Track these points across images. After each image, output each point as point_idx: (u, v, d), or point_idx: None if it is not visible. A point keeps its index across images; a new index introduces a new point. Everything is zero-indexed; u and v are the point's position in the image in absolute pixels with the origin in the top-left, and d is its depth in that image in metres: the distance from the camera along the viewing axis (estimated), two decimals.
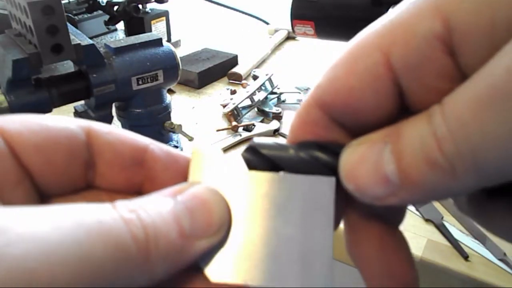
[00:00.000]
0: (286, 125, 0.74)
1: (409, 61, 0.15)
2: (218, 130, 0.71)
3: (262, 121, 0.75)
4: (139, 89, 0.61)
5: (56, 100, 0.56)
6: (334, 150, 0.17)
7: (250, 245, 0.17)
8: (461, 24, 0.14)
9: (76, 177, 0.18)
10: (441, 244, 0.49)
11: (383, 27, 0.16)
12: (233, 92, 0.82)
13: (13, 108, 0.52)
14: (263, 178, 0.18)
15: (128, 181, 0.19)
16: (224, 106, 0.76)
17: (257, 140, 0.19)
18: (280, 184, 0.18)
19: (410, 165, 0.14)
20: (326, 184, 0.18)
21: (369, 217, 0.19)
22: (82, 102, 0.62)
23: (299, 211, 0.18)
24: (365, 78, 0.16)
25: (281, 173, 0.18)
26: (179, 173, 0.19)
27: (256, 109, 0.78)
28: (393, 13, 0.16)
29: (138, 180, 0.19)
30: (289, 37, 1.15)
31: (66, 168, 0.18)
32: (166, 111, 0.66)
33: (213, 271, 0.17)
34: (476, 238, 0.49)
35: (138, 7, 0.94)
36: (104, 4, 0.95)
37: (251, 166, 0.19)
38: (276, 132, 0.72)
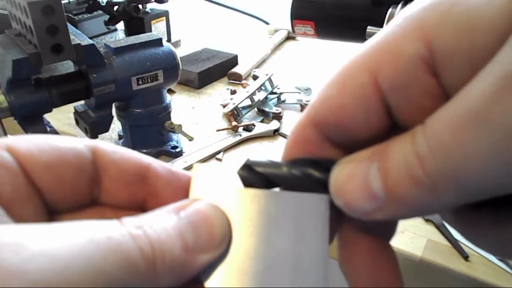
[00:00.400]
0: (286, 125, 0.74)
1: (395, 81, 0.16)
2: (218, 130, 0.71)
3: (262, 121, 0.75)
4: (139, 89, 0.61)
5: (56, 100, 0.56)
6: (326, 166, 0.18)
7: (247, 259, 0.18)
8: (442, 47, 0.15)
9: (83, 193, 0.19)
10: (441, 244, 0.49)
11: (370, 48, 0.17)
12: (233, 92, 0.82)
13: (13, 108, 0.52)
14: (259, 194, 0.19)
15: (132, 197, 0.20)
16: (224, 106, 0.76)
17: (252, 158, 0.20)
18: (276, 200, 0.19)
19: (395, 182, 0.15)
20: (320, 201, 0.19)
21: (361, 233, 0.19)
22: (82, 102, 0.62)
23: (295, 227, 0.19)
24: (355, 97, 0.17)
25: (276, 190, 0.19)
26: (180, 189, 0.20)
27: (256, 109, 0.78)
28: (380, 34, 0.17)
29: (141, 196, 0.20)
30: (289, 37, 1.15)
31: (74, 185, 0.19)
32: (166, 111, 0.66)
33: (213, 283, 0.18)
34: None
35: (138, 7, 0.94)
36: (104, 4, 0.95)
37: (247, 183, 0.19)
38: (276, 132, 0.72)
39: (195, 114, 0.79)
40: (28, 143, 0.18)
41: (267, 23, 1.23)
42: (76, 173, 0.18)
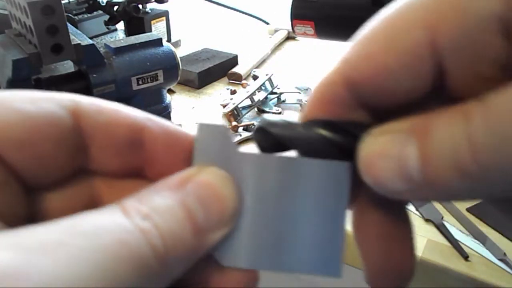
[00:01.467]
0: None
1: (458, 43, 0.13)
2: None
3: None
4: (139, 89, 0.61)
5: None
6: (351, 131, 0.16)
7: (261, 229, 0.17)
8: None
9: (65, 167, 0.16)
10: (441, 244, 0.49)
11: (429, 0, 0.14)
12: (233, 92, 0.82)
13: None
14: (273, 160, 0.17)
15: (125, 165, 0.18)
16: (224, 106, 0.76)
17: (266, 119, 0.17)
18: (292, 168, 0.17)
19: (436, 168, 0.13)
20: (340, 169, 0.17)
21: (378, 200, 0.17)
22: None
23: (312, 197, 0.17)
24: (404, 57, 0.14)
25: (294, 156, 0.17)
26: (181, 153, 0.18)
27: (256, 109, 0.78)
28: None
29: (136, 164, 0.18)
30: (289, 37, 1.15)
31: (54, 159, 0.16)
32: (166, 111, 0.66)
33: (224, 256, 0.17)
34: (476, 238, 0.49)
35: (138, 7, 0.94)
36: (104, 4, 0.95)
37: (260, 146, 0.18)
38: None
39: (195, 114, 0.79)
40: None
41: (267, 23, 1.23)
42: (55, 146, 0.16)
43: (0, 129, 0.14)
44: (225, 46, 1.03)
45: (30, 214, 0.16)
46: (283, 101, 0.81)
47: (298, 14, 0.78)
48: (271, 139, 0.17)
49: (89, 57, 0.56)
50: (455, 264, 0.47)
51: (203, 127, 0.18)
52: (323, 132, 0.16)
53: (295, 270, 0.17)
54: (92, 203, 0.18)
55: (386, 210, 0.18)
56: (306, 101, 0.70)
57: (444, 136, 0.13)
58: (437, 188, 0.13)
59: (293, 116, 0.77)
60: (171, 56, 0.63)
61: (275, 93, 0.81)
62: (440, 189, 0.13)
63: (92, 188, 0.18)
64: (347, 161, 0.17)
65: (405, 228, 0.18)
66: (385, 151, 0.14)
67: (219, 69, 0.91)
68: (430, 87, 0.15)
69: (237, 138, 0.69)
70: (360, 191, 0.18)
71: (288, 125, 0.17)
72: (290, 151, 0.17)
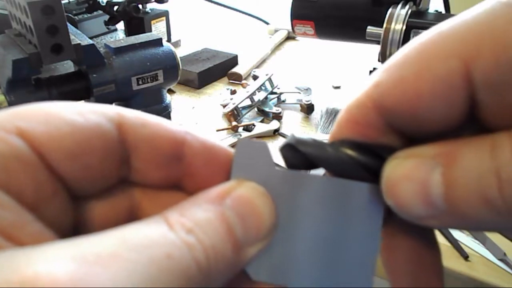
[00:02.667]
0: (286, 125, 0.74)
1: (494, 77, 0.13)
2: (218, 130, 0.71)
3: (262, 121, 0.75)
4: (139, 89, 0.61)
5: (56, 100, 0.56)
6: (379, 153, 0.16)
7: (292, 246, 0.17)
8: None
9: (110, 176, 0.17)
10: (441, 244, 0.49)
11: (466, 28, 0.14)
12: (233, 92, 0.82)
13: None
14: (306, 178, 0.17)
15: (165, 177, 0.18)
16: (224, 106, 0.76)
17: (295, 136, 0.18)
18: (323, 186, 0.17)
19: (461, 197, 0.13)
20: (374, 191, 0.17)
21: (408, 225, 0.17)
22: (82, 102, 0.62)
23: (346, 216, 0.17)
24: (437, 86, 0.14)
25: (324, 175, 0.18)
26: (219, 167, 0.18)
27: (256, 109, 0.78)
28: (478, 11, 0.13)
29: (175, 176, 0.18)
30: (289, 37, 1.15)
31: (101, 170, 0.16)
32: (166, 111, 0.66)
33: (256, 271, 0.17)
34: (476, 238, 0.49)
35: (138, 7, 0.94)
36: (104, 4, 0.95)
37: (289, 163, 0.18)
38: (276, 132, 0.72)
39: (195, 114, 0.79)
40: (44, 123, 0.15)
41: (267, 23, 1.23)
42: (103, 157, 0.16)
43: (52, 139, 0.15)
44: (225, 46, 1.03)
45: (75, 223, 0.17)
46: (283, 101, 0.81)
47: (298, 14, 0.78)
48: (299, 156, 0.17)
49: (89, 57, 0.56)
50: (455, 264, 0.47)
51: (243, 143, 0.18)
52: (352, 153, 0.16)
53: (326, 286, 0.17)
54: (133, 213, 0.18)
55: (416, 235, 0.18)
56: (307, 101, 0.69)
57: (471, 165, 0.13)
58: (459, 217, 0.13)
59: (293, 116, 0.77)
60: (171, 56, 0.63)
61: (275, 93, 0.81)
62: (462, 218, 0.13)
63: (132, 198, 0.18)
64: (377, 183, 0.16)
65: (434, 253, 0.18)
66: (409, 174, 0.14)
67: (219, 69, 0.91)
68: (462, 117, 0.14)
69: (237, 138, 0.69)
70: (390, 215, 0.18)
71: (317, 144, 0.17)
72: (317, 170, 0.18)
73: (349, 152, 0.17)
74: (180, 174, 0.18)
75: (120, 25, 1.03)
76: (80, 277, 0.11)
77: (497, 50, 0.13)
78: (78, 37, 0.56)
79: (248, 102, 0.76)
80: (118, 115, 0.17)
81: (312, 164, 0.17)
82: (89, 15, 1.00)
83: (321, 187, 0.17)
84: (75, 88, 0.57)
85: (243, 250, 0.16)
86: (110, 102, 0.61)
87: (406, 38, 0.61)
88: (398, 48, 0.60)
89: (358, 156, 0.16)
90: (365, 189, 0.17)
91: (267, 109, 0.76)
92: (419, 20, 0.61)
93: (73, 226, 0.16)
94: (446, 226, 0.14)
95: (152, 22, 0.99)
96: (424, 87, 0.14)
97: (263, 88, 0.79)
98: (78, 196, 0.17)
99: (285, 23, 1.04)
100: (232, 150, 0.18)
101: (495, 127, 0.14)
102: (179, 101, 0.83)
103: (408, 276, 0.18)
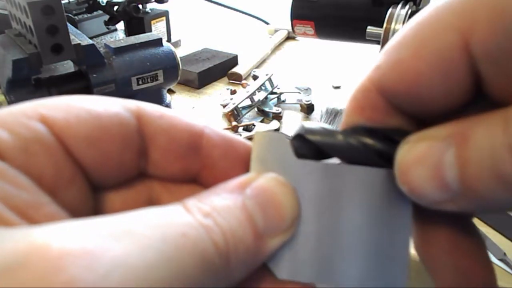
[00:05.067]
0: (286, 125, 0.74)
1: (494, 47, 0.13)
2: None
3: (262, 121, 0.75)
4: (139, 89, 0.61)
5: None
6: (390, 136, 0.16)
7: (318, 241, 0.16)
8: None
9: (129, 167, 0.17)
10: None
11: (462, 2, 0.13)
12: (233, 92, 0.82)
13: None
14: (325, 168, 0.17)
15: (183, 169, 0.18)
16: (224, 106, 0.76)
17: (304, 126, 0.17)
18: (344, 175, 0.17)
19: (475, 175, 0.13)
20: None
21: (439, 214, 0.16)
22: None
23: (374, 207, 0.16)
24: (436, 62, 0.14)
25: (356, 166, 0.17)
26: (238, 160, 0.18)
27: (256, 109, 0.78)
28: None
29: (194, 168, 0.18)
30: (289, 37, 1.15)
31: (119, 159, 0.16)
32: None
33: (280, 268, 0.16)
34: None
35: (138, 7, 0.94)
36: (104, 4, 0.95)
37: (299, 153, 0.17)
38: None
39: (195, 114, 0.79)
40: (65, 111, 0.15)
41: (267, 23, 1.23)
42: (121, 146, 0.16)
43: (71, 126, 0.15)
44: (225, 46, 1.03)
45: (94, 213, 0.16)
46: (283, 101, 0.81)
47: (298, 14, 0.78)
48: (310, 146, 0.17)
49: (89, 57, 0.56)
50: None
51: (261, 135, 0.17)
52: (364, 139, 0.16)
53: (357, 285, 0.16)
54: (151, 206, 0.18)
55: (450, 223, 0.17)
56: (307, 101, 0.69)
57: (484, 143, 0.12)
58: (475, 197, 0.13)
59: (293, 116, 0.77)
60: (171, 56, 0.64)
61: (275, 93, 0.81)
62: (479, 199, 0.13)
63: (151, 191, 0.18)
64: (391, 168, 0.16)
65: (474, 240, 0.17)
66: (421, 158, 0.14)
67: (219, 69, 0.91)
68: (467, 93, 0.14)
69: None
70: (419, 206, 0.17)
71: (327, 132, 0.17)
72: (330, 159, 0.17)
73: (360, 138, 0.16)
74: (198, 166, 0.18)
75: (120, 25, 1.03)
76: (92, 248, 0.11)
77: (493, 18, 0.12)
78: (78, 37, 0.56)
79: (248, 102, 0.76)
80: (137, 107, 0.17)
81: (323, 153, 0.17)
82: (89, 15, 1.00)
83: (344, 176, 0.17)
84: (75, 88, 0.57)
85: (264, 241, 0.15)
86: None
87: None
88: None
89: (369, 141, 0.16)
90: (390, 176, 0.16)
91: (267, 109, 0.76)
92: None
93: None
94: (463, 209, 0.14)
95: (152, 22, 0.99)
96: (422, 65, 0.14)
97: (263, 88, 0.79)
98: (97, 187, 0.17)
99: (285, 23, 1.04)
100: (250, 143, 0.18)
101: (504, 101, 0.13)
102: (179, 101, 0.83)
103: (450, 268, 0.17)
